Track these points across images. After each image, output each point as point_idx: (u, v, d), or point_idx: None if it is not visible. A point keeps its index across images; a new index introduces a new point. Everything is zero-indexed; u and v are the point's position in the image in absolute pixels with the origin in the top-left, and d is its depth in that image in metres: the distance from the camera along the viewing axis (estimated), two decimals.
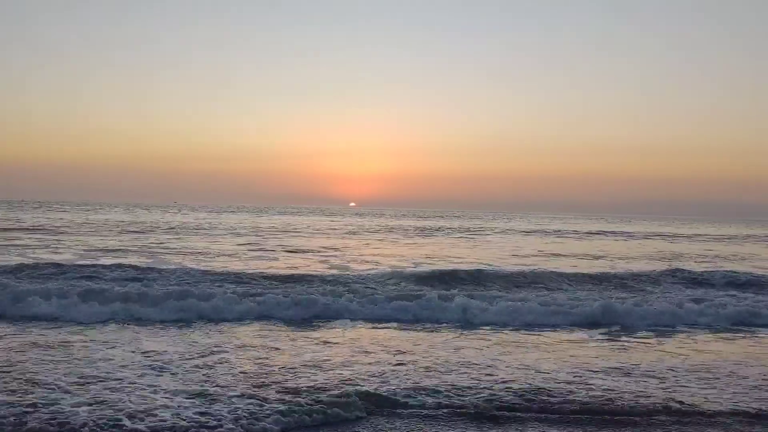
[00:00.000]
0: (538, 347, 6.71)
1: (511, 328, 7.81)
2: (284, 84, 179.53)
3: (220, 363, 5.43)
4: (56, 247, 16.47)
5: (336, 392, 4.61)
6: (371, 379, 5.03)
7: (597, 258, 19.07)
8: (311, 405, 4.31)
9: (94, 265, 11.74)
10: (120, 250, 16.32)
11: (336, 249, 18.98)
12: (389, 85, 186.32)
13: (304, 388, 4.69)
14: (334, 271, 12.63)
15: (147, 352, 5.76)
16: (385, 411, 4.34)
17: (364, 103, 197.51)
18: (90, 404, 4.14)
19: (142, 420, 3.88)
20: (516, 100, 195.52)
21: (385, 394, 4.64)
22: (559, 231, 37.88)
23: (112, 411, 4.01)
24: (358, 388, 4.72)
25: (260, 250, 17.69)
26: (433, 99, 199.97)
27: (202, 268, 11.67)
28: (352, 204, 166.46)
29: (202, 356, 5.60)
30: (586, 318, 8.40)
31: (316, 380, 4.96)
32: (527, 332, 7.60)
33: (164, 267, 11.86)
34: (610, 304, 8.88)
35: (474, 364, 5.73)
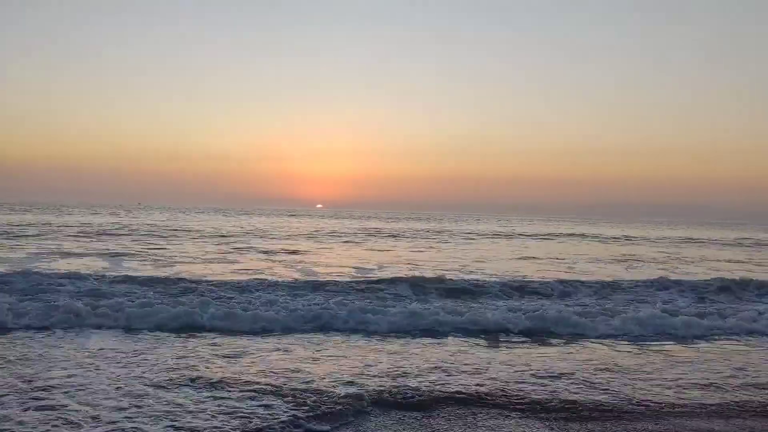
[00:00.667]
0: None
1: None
2: (253, 86, 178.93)
3: None
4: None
5: None
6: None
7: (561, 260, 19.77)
8: None
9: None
10: (73, 254, 16.40)
11: (287, 253, 19.22)
12: (358, 87, 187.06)
13: None
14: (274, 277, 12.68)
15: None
16: None
17: (333, 106, 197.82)
18: None
19: None
20: (483, 103, 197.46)
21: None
22: (523, 234, 38.65)
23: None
24: None
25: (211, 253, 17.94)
26: (402, 102, 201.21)
27: (144, 275, 11.90)
28: (319, 205, 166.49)
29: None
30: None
31: None
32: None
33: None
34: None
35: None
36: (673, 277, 14.53)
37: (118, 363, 5.81)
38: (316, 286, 10.88)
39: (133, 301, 8.52)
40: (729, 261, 22.78)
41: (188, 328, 7.62)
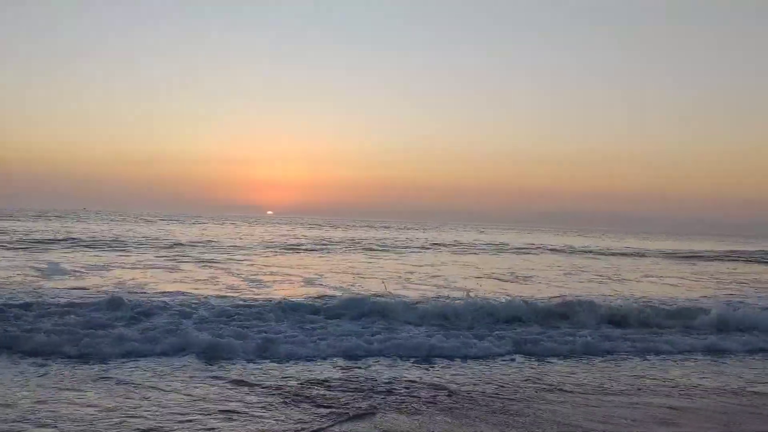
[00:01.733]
0: None
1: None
2: (204, 90, 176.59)
3: None
4: None
5: None
6: None
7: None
8: None
9: None
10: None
11: (221, 265, 19.02)
12: (309, 92, 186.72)
13: None
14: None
15: None
16: None
17: (286, 111, 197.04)
18: None
19: None
20: (436, 109, 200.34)
21: None
22: (473, 244, 39.07)
23: None
24: None
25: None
26: (354, 107, 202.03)
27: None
28: (270, 212, 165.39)
29: None
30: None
31: None
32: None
33: None
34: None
35: None
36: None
37: None
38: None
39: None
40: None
41: None
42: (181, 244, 27.07)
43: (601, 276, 21.19)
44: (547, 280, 18.74)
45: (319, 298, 12.01)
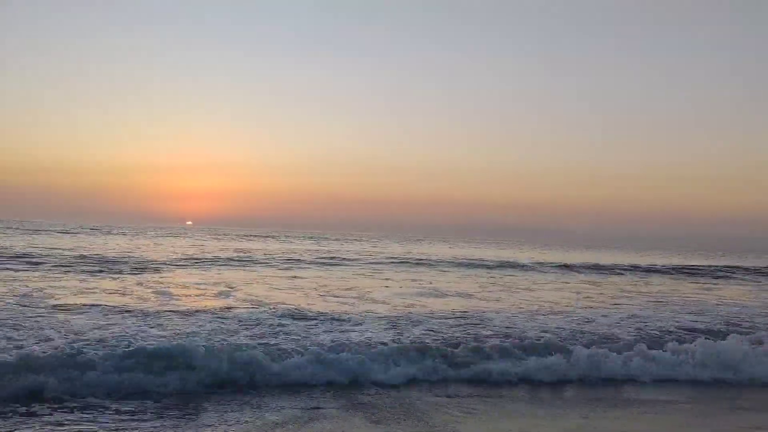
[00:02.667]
0: None
1: None
2: (123, 94, 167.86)
3: None
4: None
5: None
6: None
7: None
8: None
9: None
10: None
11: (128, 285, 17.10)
12: (231, 97, 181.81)
13: None
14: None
15: None
16: None
17: (209, 119, 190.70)
18: None
19: None
20: (364, 118, 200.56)
21: None
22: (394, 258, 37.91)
23: None
24: None
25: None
26: (277, 115, 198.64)
27: None
28: (189, 222, 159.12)
29: None
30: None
31: None
32: None
33: None
34: None
35: None
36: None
37: None
38: None
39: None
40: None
41: None
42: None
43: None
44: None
45: None
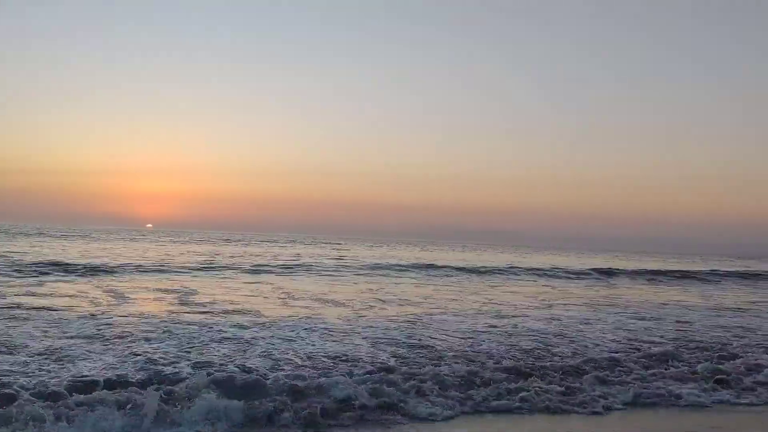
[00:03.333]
0: None
1: None
2: (81, 94, 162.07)
3: None
4: None
5: None
6: None
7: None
8: None
9: None
10: None
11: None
12: (193, 100, 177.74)
13: None
14: None
15: None
16: None
17: (166, 119, 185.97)
18: None
19: None
20: (323, 124, 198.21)
21: None
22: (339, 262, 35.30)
23: None
24: None
25: None
26: (239, 119, 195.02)
27: None
28: (149, 225, 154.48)
29: None
30: None
31: None
32: None
33: None
34: None
35: None
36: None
37: None
38: None
39: None
40: None
41: None
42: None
43: None
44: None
45: None
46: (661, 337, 10.05)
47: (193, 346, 7.60)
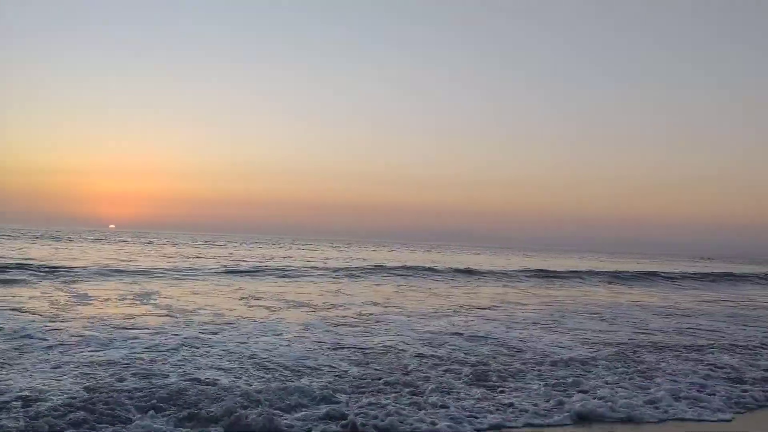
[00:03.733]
0: None
1: None
2: (39, 93, 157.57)
3: None
4: None
5: None
6: None
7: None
8: None
9: None
10: None
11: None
12: (156, 101, 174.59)
13: None
14: None
15: None
16: None
17: (133, 120, 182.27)
18: None
19: None
20: (287, 124, 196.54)
21: None
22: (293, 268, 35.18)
23: None
24: None
25: None
26: (202, 119, 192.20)
27: None
28: (112, 226, 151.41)
29: None
30: None
31: None
32: None
33: None
34: None
35: None
36: None
37: None
38: None
39: None
40: None
41: None
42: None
43: None
44: None
45: None
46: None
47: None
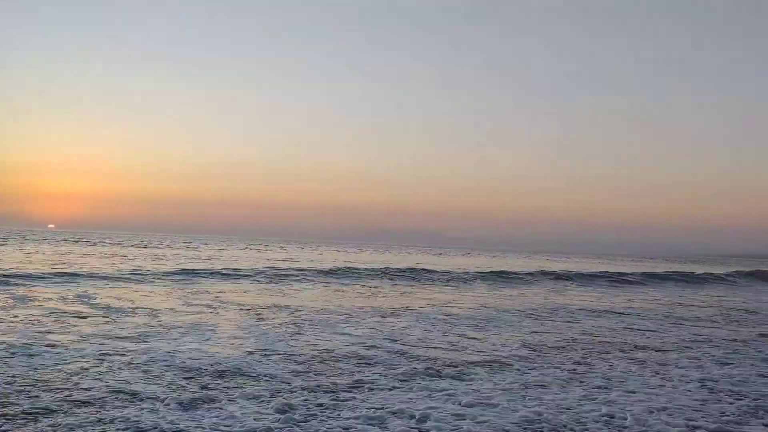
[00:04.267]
0: None
1: None
2: None
3: None
4: None
5: None
6: None
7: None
8: None
9: None
10: None
11: None
12: (103, 96, 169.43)
13: None
14: None
15: None
16: None
17: (75, 117, 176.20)
18: None
19: None
20: (240, 126, 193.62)
21: None
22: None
23: None
24: None
25: None
26: (151, 117, 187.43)
27: None
28: (51, 225, 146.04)
29: None
30: None
31: None
32: None
33: None
34: None
35: None
36: None
37: None
38: None
39: None
40: None
41: None
42: None
43: None
44: None
45: None
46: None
47: None
